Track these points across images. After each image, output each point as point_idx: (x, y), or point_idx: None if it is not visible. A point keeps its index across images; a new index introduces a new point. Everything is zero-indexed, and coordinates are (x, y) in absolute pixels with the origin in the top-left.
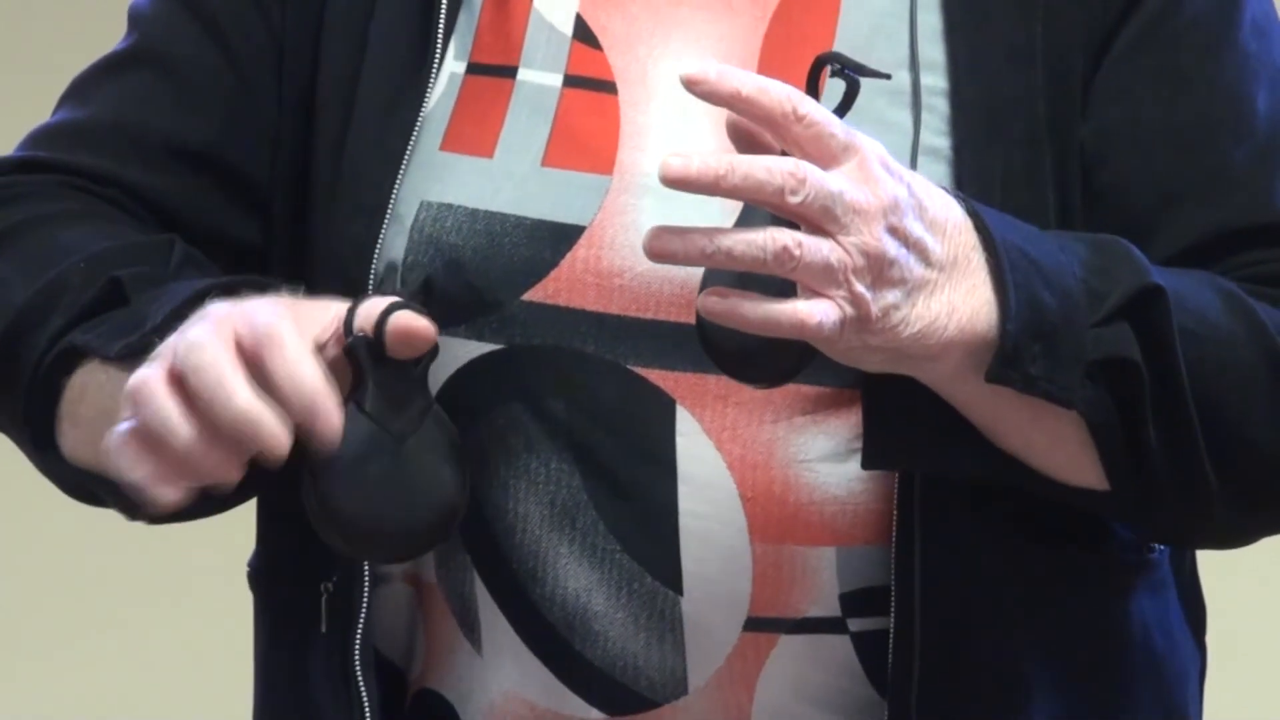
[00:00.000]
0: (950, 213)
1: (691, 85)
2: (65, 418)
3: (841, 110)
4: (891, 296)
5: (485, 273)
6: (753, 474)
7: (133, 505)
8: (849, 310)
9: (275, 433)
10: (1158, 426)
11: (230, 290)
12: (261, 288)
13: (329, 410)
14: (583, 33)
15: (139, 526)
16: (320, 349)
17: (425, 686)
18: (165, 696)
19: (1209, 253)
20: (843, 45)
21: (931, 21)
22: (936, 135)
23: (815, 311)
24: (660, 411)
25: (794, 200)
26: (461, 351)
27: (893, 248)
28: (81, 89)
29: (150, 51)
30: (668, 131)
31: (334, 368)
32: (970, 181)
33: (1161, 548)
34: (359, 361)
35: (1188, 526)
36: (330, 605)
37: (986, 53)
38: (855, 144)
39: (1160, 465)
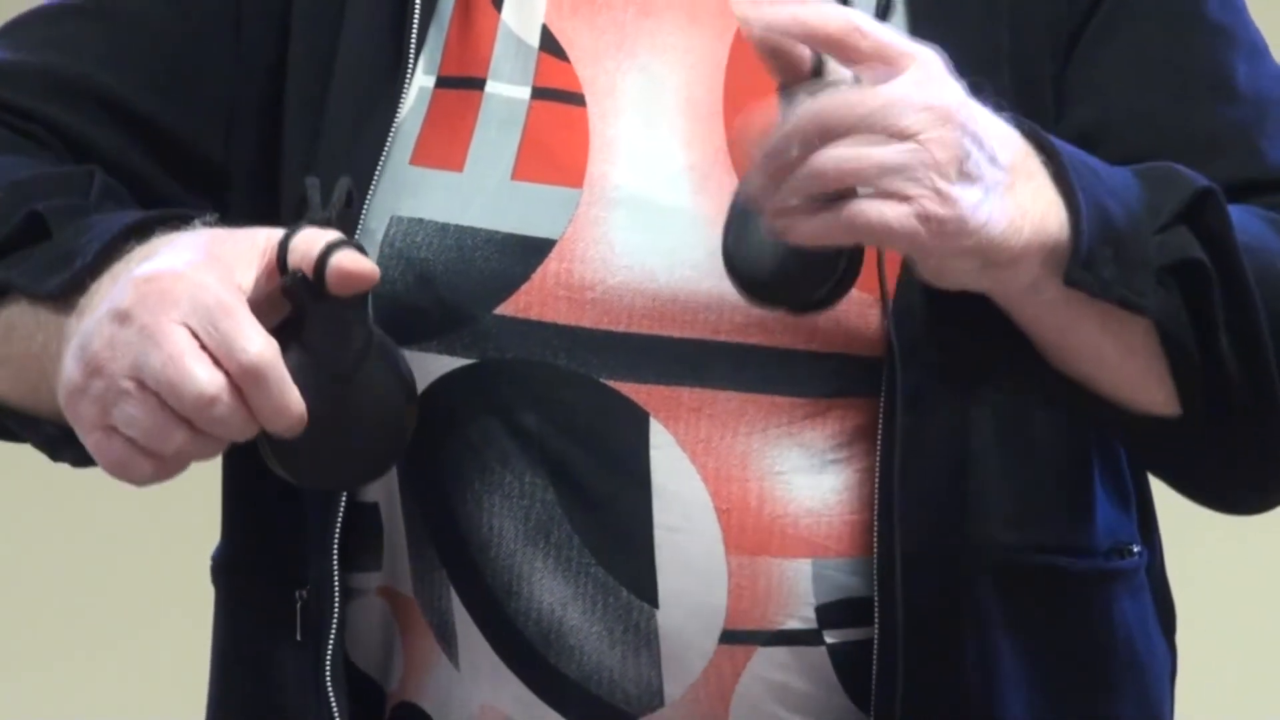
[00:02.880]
0: (1001, 121)
1: (748, 24)
2: None
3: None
4: (975, 192)
5: (457, 287)
6: (727, 486)
7: (56, 447)
8: (935, 209)
9: (248, 432)
10: (1229, 331)
11: (156, 224)
12: (183, 220)
13: (297, 408)
14: (549, 44)
15: (139, 527)
16: (255, 283)
17: (404, 700)
18: (165, 697)
19: None
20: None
21: (899, 30)
22: None
23: (891, 211)
24: (634, 424)
25: (864, 24)
26: (434, 366)
27: (969, 142)
28: (13, 31)
29: (93, 2)
30: (637, 143)
31: (267, 301)
32: None
33: (1140, 550)
34: (297, 298)
35: (1249, 462)
36: (304, 614)
37: (954, 59)
38: (914, 52)
39: (1231, 377)
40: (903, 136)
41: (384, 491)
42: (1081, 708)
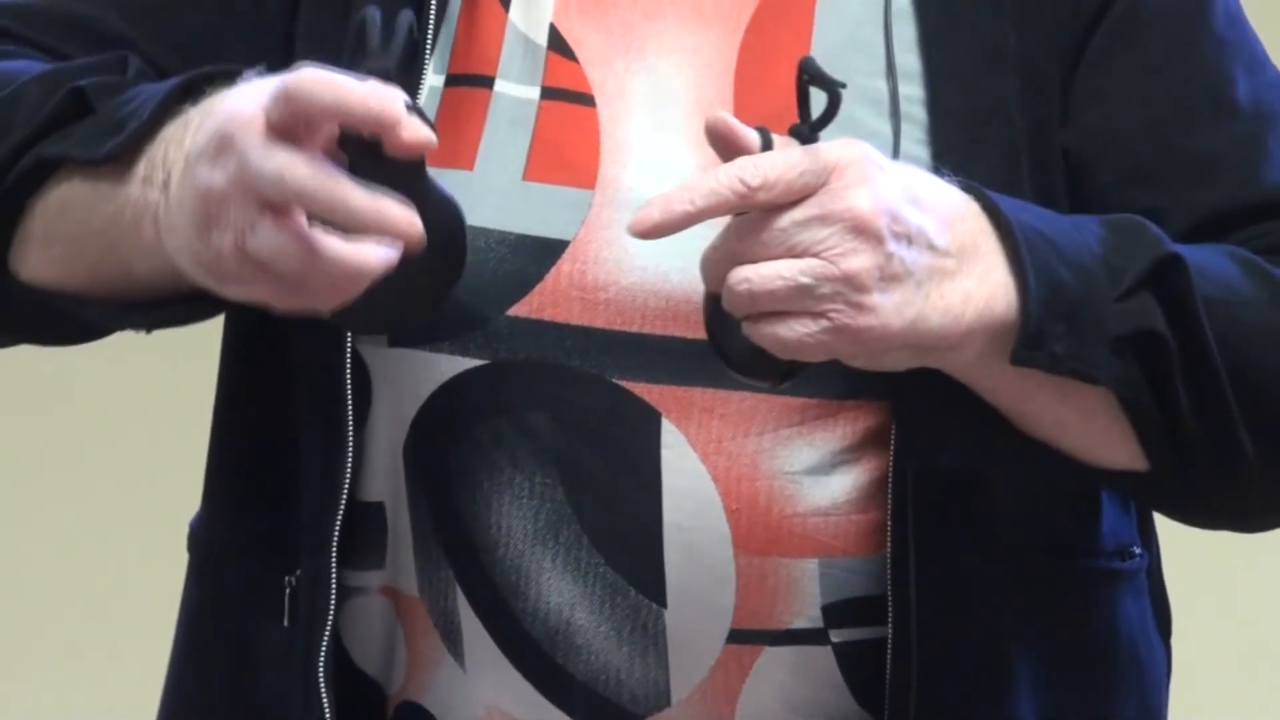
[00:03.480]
0: (951, 200)
1: (644, 235)
2: (34, 237)
3: (823, 122)
4: (901, 293)
5: (470, 288)
6: (737, 486)
7: (103, 325)
8: (848, 321)
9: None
10: (1189, 394)
11: (204, 83)
12: (229, 76)
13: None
14: (558, 44)
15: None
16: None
17: (407, 699)
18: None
19: (1206, 235)
20: (818, 55)
21: (906, 31)
22: (916, 144)
23: (806, 329)
24: (645, 424)
25: (755, 184)
26: (446, 367)
27: (892, 243)
28: None
29: None
30: (647, 145)
31: (324, 147)
32: None
33: (1141, 551)
34: (354, 154)
35: (1229, 505)
36: (293, 601)
37: (962, 61)
38: (830, 162)
39: (1195, 435)
40: (807, 255)
41: (390, 491)
42: (1085, 707)
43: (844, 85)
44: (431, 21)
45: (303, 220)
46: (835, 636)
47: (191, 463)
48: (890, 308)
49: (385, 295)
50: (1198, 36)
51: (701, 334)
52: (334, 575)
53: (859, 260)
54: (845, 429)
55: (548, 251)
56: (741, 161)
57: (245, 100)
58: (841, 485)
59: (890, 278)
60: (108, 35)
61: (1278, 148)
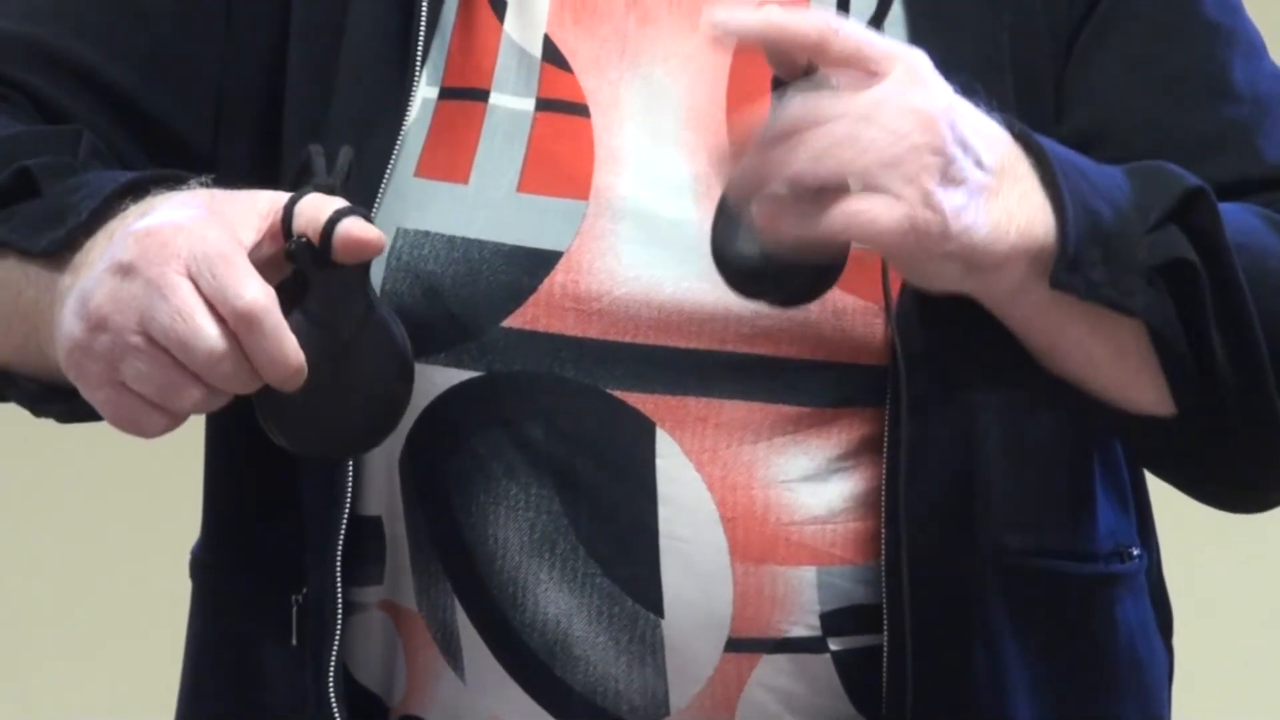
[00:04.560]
0: (991, 124)
1: (714, 32)
2: None
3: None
4: (960, 196)
5: (464, 300)
6: (733, 495)
7: (37, 403)
8: (922, 212)
9: (252, 385)
10: (1220, 328)
11: (151, 183)
12: (178, 180)
13: (295, 357)
14: (552, 55)
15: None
16: (256, 245)
17: (408, 714)
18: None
19: None
20: None
21: (899, 34)
22: None
23: (883, 208)
24: (640, 434)
25: (836, 27)
26: (441, 379)
27: (953, 146)
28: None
29: None
30: (642, 155)
31: (267, 266)
32: None
33: (1140, 553)
34: (301, 264)
35: (1248, 461)
36: (301, 618)
37: (955, 63)
38: (897, 53)
39: (1225, 375)
40: (889, 138)
41: (387, 504)
42: (1085, 710)
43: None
44: (422, 34)
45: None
46: (833, 644)
47: (190, 465)
48: (951, 209)
49: (322, 415)
50: (1187, 22)
51: (696, 343)
52: (339, 591)
53: (932, 155)
54: (840, 436)
55: (542, 262)
56: (822, 13)
57: (173, 226)
58: (837, 493)
59: (950, 180)
60: (72, 62)
61: (1276, 129)
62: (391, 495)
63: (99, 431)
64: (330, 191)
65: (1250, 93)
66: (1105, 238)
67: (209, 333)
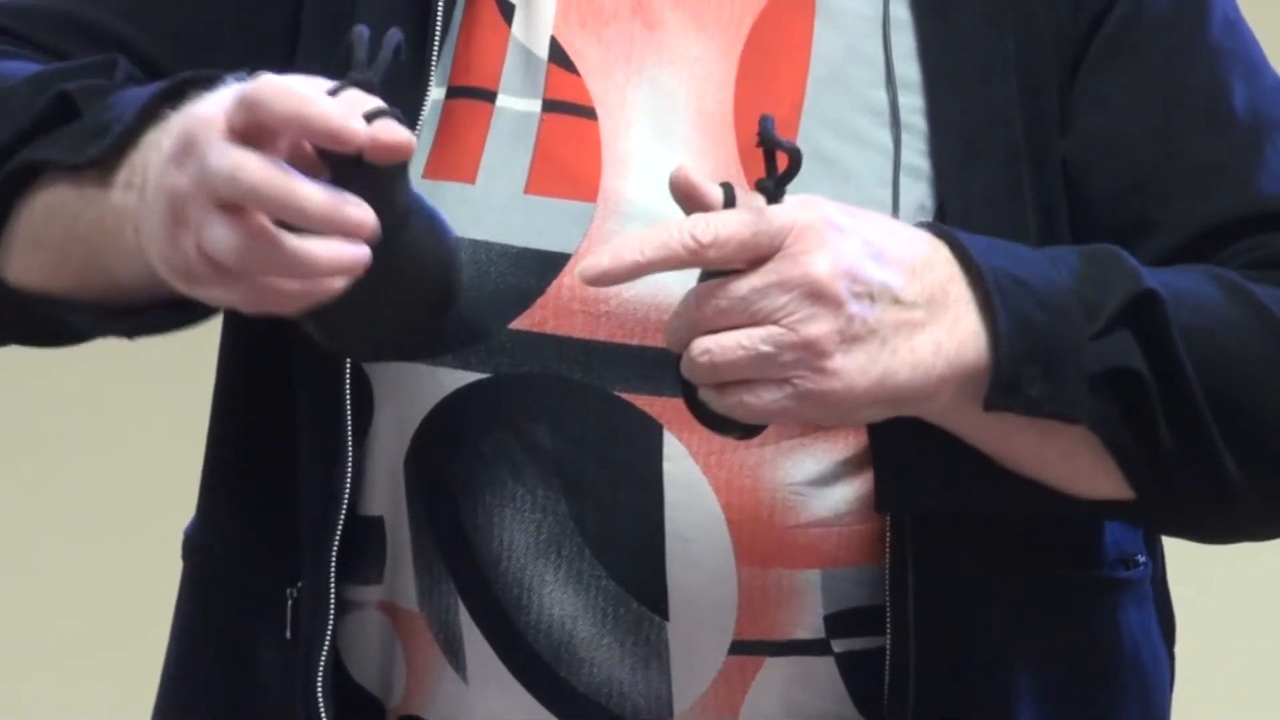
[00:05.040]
0: (916, 249)
1: (592, 283)
2: (19, 241)
3: (787, 178)
4: (864, 353)
5: (472, 301)
6: (739, 498)
7: (87, 330)
8: (813, 386)
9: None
10: (1170, 428)
11: (188, 87)
12: (215, 80)
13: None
14: (559, 57)
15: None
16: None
17: (408, 714)
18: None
19: (1203, 247)
20: (818, 66)
21: (905, 41)
22: (917, 155)
23: (767, 396)
24: (647, 436)
25: (706, 240)
26: (448, 380)
27: (854, 303)
28: None
29: None
30: (649, 157)
31: (305, 162)
32: (952, 202)
33: (1145, 560)
34: (335, 163)
35: (1221, 522)
36: (295, 614)
37: (961, 71)
38: (786, 225)
39: (1178, 465)
40: (767, 323)
41: (390, 505)
42: (1088, 717)
43: (798, 148)
44: (437, 36)
45: (261, 220)
46: (838, 647)
47: (187, 465)
48: (854, 368)
49: (370, 317)
50: (1194, 46)
51: None
52: (332, 590)
53: (818, 326)
54: (847, 439)
55: (549, 265)
56: (696, 217)
57: (210, 104)
58: (843, 496)
59: (852, 339)
60: (106, 35)
61: (1274, 157)
62: (395, 496)
63: (99, 432)
64: (368, 86)
65: (1250, 118)
66: (1045, 350)
67: (247, 158)
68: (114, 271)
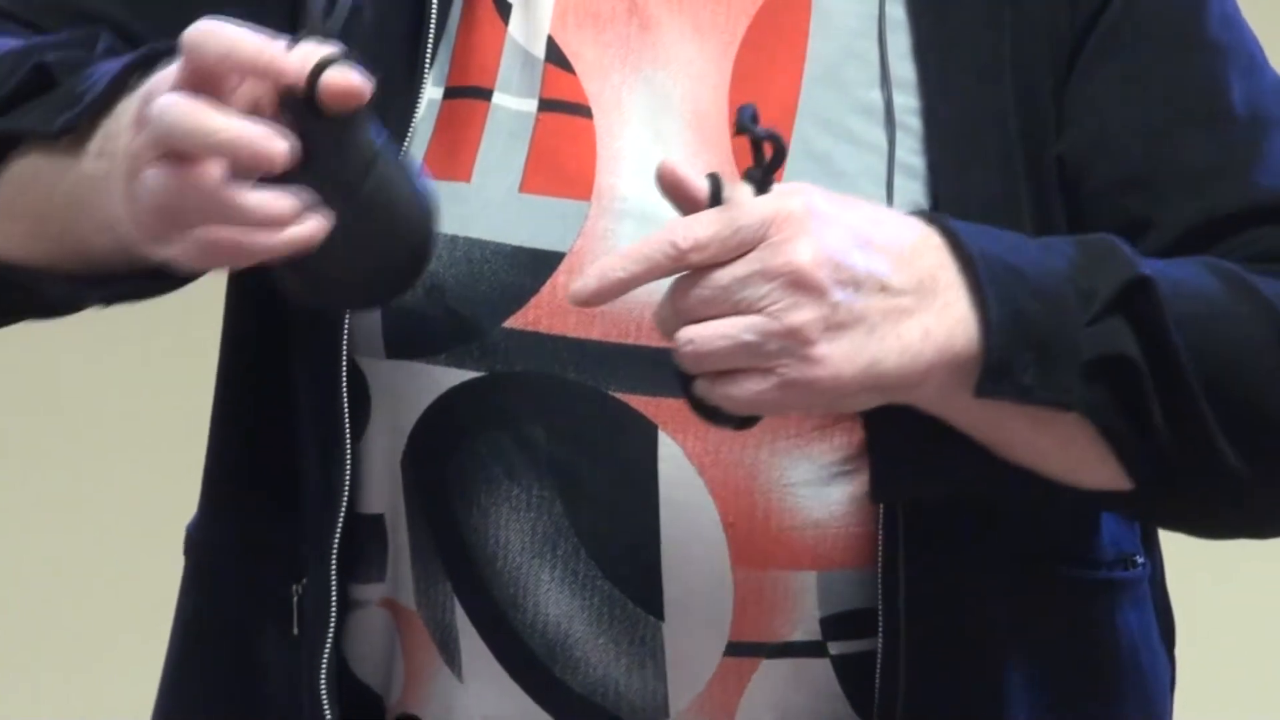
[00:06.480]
0: (904, 236)
1: (584, 304)
2: None
3: (770, 169)
4: (849, 340)
5: (466, 300)
6: (735, 499)
7: (63, 302)
8: (798, 374)
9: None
10: (1165, 416)
11: (160, 58)
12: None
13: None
14: (555, 56)
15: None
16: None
17: (405, 712)
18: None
19: (1202, 241)
20: (813, 66)
21: (901, 40)
22: (912, 154)
23: (753, 386)
24: (642, 436)
25: (686, 246)
26: (443, 379)
27: (838, 291)
28: None
29: None
30: (644, 156)
31: (273, 119)
32: (947, 200)
33: (1143, 561)
34: (295, 115)
35: (1224, 515)
36: (300, 610)
37: (956, 71)
38: (768, 215)
39: (1174, 453)
40: (750, 312)
41: (389, 503)
42: (1087, 714)
43: (778, 135)
44: (431, 35)
45: (199, 167)
46: (833, 648)
47: (188, 464)
48: (840, 356)
49: (347, 263)
50: (1191, 42)
51: None
52: (334, 588)
53: (802, 314)
54: (842, 440)
55: (544, 263)
56: (673, 224)
57: (170, 67)
58: (839, 497)
59: (837, 326)
60: (93, 13)
61: (1272, 152)
62: (394, 494)
63: (97, 430)
64: (324, 40)
65: (1248, 114)
66: (1038, 337)
67: (174, 98)
68: (88, 241)
